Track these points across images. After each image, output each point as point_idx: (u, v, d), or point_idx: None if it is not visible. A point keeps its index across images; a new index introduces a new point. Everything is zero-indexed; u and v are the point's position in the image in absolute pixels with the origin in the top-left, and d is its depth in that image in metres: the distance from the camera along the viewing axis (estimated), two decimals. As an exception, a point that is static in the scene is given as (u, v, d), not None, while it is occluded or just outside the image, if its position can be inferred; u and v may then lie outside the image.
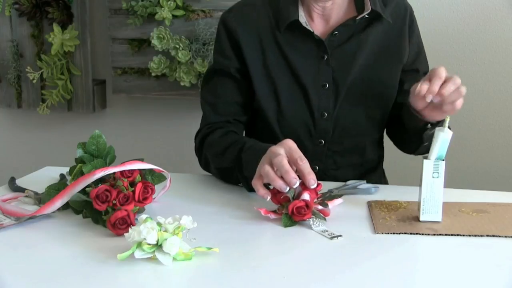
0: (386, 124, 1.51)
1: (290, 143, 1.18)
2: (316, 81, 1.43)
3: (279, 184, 1.14)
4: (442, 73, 1.21)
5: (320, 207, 1.19)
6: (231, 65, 1.46)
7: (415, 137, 1.39)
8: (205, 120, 1.51)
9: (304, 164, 1.15)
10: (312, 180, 1.15)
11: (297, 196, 1.17)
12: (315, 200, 1.19)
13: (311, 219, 1.15)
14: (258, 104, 1.46)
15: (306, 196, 1.16)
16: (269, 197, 1.17)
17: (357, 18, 1.41)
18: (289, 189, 1.15)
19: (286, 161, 1.15)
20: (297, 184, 1.15)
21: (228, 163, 1.35)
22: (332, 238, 1.09)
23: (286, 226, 1.14)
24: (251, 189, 1.25)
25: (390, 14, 1.45)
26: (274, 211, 1.18)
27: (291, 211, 1.14)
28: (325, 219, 1.16)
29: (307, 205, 1.14)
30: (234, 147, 1.35)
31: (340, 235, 1.10)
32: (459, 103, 1.23)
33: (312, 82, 1.43)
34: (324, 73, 1.43)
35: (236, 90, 1.47)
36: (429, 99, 1.21)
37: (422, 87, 1.21)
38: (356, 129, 1.44)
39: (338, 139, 1.44)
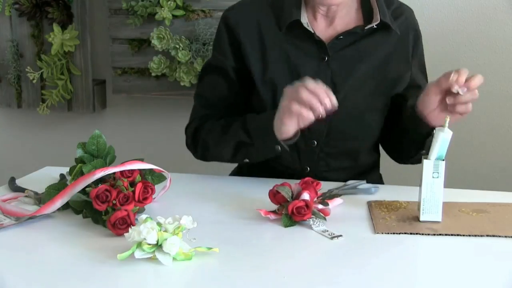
0: (382, 131, 1.51)
1: (297, 83, 1.23)
2: (315, 81, 1.43)
3: (314, 101, 1.20)
4: (466, 70, 1.22)
5: (320, 206, 1.19)
6: (227, 63, 1.48)
7: (415, 144, 1.39)
8: (195, 113, 1.53)
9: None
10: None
11: (297, 196, 1.17)
12: (315, 199, 1.19)
13: (311, 219, 1.15)
14: (256, 100, 1.47)
15: (306, 196, 1.16)
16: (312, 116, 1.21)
17: (366, 28, 1.42)
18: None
19: (310, 83, 1.21)
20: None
21: (234, 139, 1.38)
22: (332, 238, 1.09)
23: (286, 226, 1.14)
24: (266, 156, 1.34)
25: (399, 25, 1.45)
26: (274, 212, 1.18)
27: (291, 211, 1.14)
28: (325, 219, 1.16)
29: (307, 205, 1.14)
30: (236, 123, 1.39)
31: (340, 235, 1.10)
32: (471, 106, 1.25)
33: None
34: (323, 74, 1.43)
35: (229, 87, 1.49)
36: (455, 89, 1.21)
37: (452, 76, 1.21)
38: (351, 133, 1.44)
39: (331, 142, 1.44)
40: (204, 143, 1.46)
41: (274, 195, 1.19)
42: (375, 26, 1.42)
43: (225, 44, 1.48)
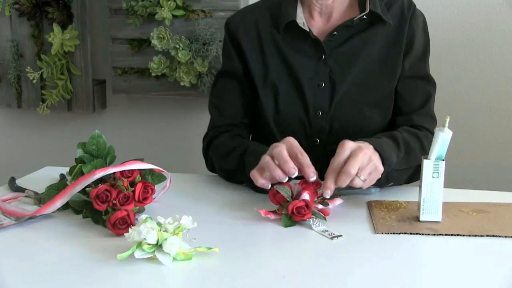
0: (388, 127, 1.50)
1: (291, 140, 1.22)
2: (313, 80, 1.44)
3: (278, 173, 1.17)
4: (338, 163, 1.19)
5: (320, 206, 1.19)
6: (235, 67, 1.50)
7: None
8: (212, 123, 1.55)
9: (304, 158, 1.19)
10: (311, 173, 1.18)
11: (297, 196, 1.17)
12: (315, 199, 1.19)
13: (311, 219, 1.15)
14: (258, 103, 1.49)
15: (306, 196, 1.16)
16: (269, 185, 1.20)
17: (355, 19, 1.42)
18: (288, 179, 1.18)
19: (285, 152, 1.19)
20: (295, 174, 1.17)
21: (232, 165, 1.38)
22: (332, 238, 1.09)
23: (286, 226, 1.14)
24: (257, 190, 1.28)
25: (392, 15, 1.45)
26: (274, 212, 1.18)
27: (291, 211, 1.14)
28: (325, 219, 1.16)
29: (307, 205, 1.14)
30: (238, 150, 1.38)
31: (340, 235, 1.10)
32: (358, 183, 1.19)
33: (309, 81, 1.44)
34: (321, 72, 1.44)
35: (241, 92, 1.51)
36: (327, 195, 1.19)
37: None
38: (353, 129, 1.43)
39: (334, 139, 1.43)
40: (211, 159, 1.49)
41: (274, 195, 1.19)
42: (364, 17, 1.42)
43: (231, 50, 1.51)
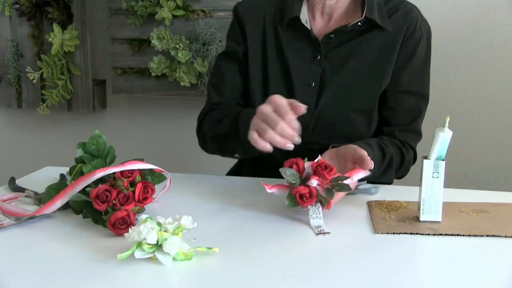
0: (373, 132, 1.49)
1: (276, 99, 1.16)
2: (305, 79, 1.45)
3: (281, 126, 1.13)
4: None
5: (326, 192, 1.16)
6: (238, 49, 1.51)
7: None
8: (208, 101, 1.55)
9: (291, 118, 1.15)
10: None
11: (306, 178, 1.16)
12: (325, 184, 1.16)
13: (310, 208, 1.15)
14: (249, 89, 1.49)
15: (313, 182, 1.15)
16: (271, 147, 1.15)
17: (349, 26, 1.42)
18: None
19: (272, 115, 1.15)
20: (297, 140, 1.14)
21: (225, 130, 1.38)
22: (317, 234, 1.10)
23: (288, 206, 1.15)
24: (247, 153, 1.29)
25: (393, 22, 1.43)
26: (280, 185, 1.17)
27: (294, 195, 1.14)
28: (326, 202, 1.14)
29: (310, 192, 1.14)
30: (231, 115, 1.38)
31: (328, 232, 1.10)
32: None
33: (301, 80, 1.45)
34: (314, 72, 1.44)
35: (240, 74, 1.51)
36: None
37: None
38: (336, 132, 1.42)
39: (316, 139, 1.43)
40: (204, 131, 1.49)
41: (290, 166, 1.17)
42: (359, 24, 1.42)
43: (237, 32, 1.51)
